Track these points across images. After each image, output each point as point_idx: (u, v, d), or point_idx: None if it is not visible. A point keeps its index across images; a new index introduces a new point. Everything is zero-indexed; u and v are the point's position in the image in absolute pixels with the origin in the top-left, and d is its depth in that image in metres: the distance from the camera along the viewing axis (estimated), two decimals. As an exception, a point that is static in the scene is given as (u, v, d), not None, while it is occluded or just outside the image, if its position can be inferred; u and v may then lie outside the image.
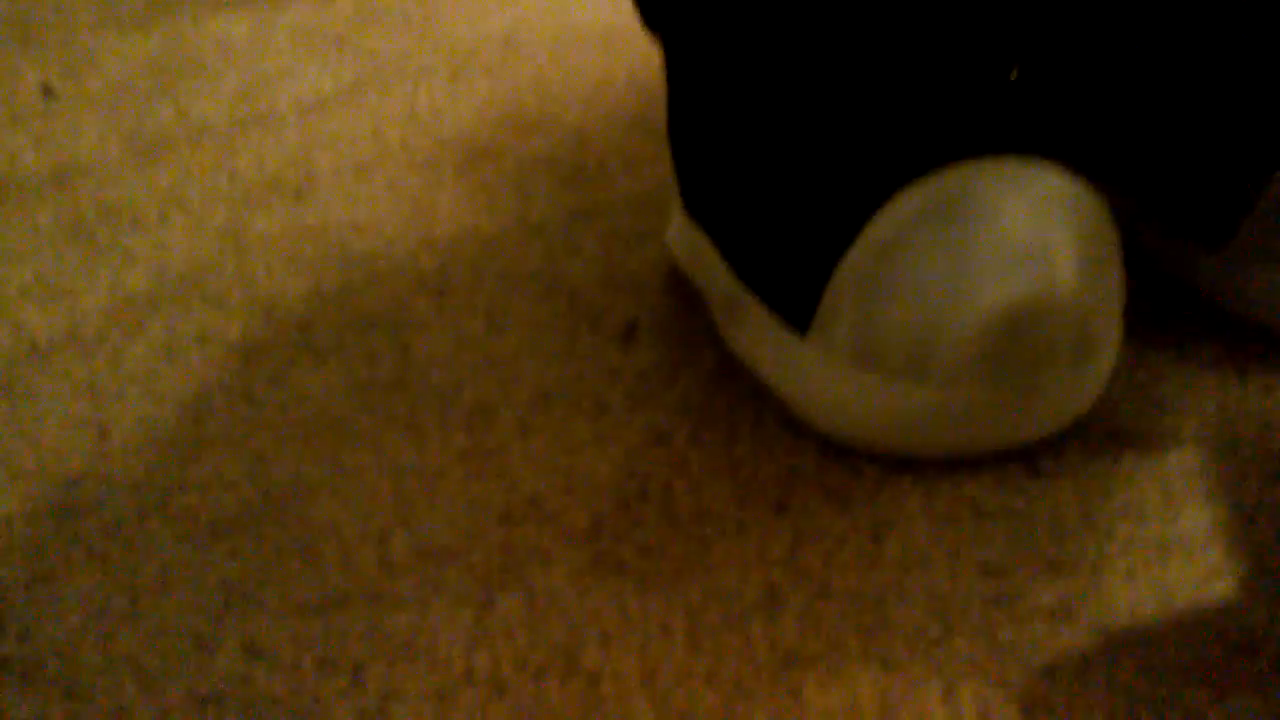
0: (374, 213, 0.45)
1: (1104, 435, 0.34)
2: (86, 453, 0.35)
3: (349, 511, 0.32)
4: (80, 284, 0.42)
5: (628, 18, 0.60)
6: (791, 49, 0.34)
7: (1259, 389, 0.35)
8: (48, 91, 0.53)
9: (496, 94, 0.54)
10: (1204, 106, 0.36)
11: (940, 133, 0.33)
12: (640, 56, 0.56)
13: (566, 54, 0.57)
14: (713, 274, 0.38)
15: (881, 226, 0.32)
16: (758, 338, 0.35)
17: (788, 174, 0.34)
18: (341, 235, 0.44)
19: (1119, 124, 0.38)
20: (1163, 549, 0.30)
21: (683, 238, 0.40)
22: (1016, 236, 0.30)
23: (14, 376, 0.38)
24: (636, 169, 0.48)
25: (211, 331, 0.40)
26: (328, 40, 0.59)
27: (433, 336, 0.39)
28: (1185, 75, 0.36)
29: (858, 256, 0.32)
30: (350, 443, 0.35)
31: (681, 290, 0.41)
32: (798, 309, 0.33)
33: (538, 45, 0.58)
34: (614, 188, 0.47)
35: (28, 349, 0.39)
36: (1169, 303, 0.38)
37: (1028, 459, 0.33)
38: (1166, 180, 0.38)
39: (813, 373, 0.33)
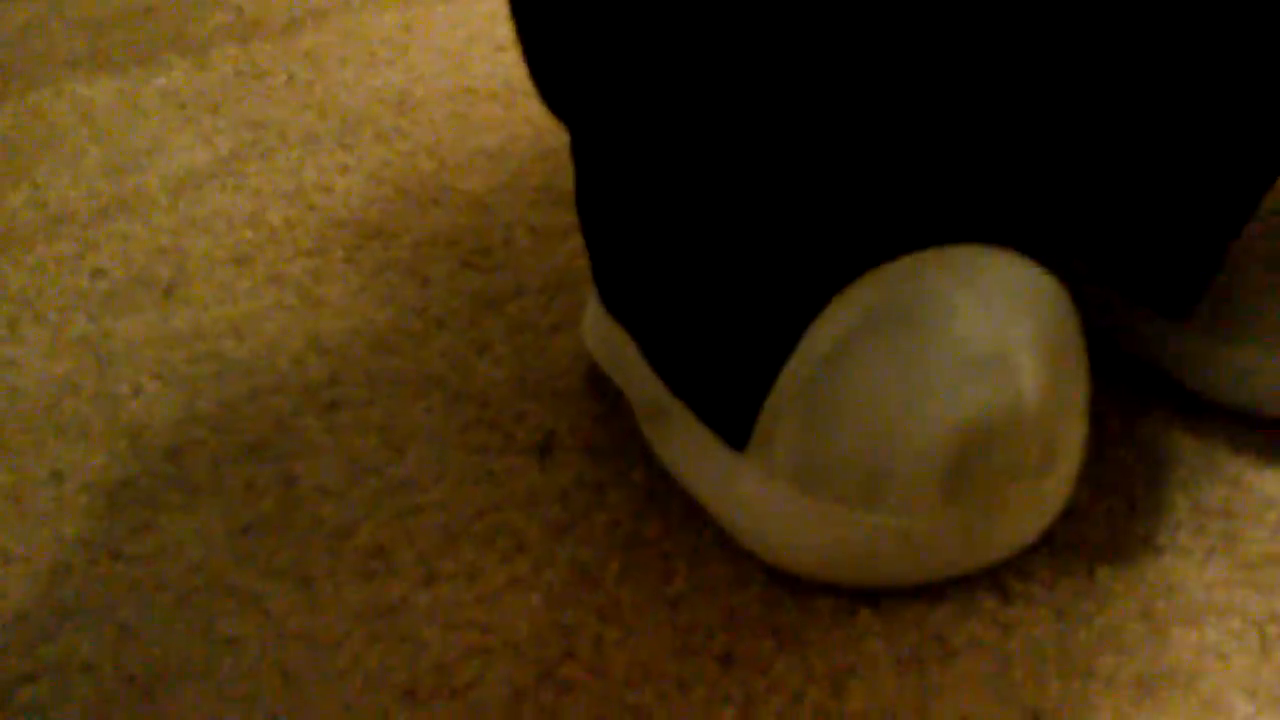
0: (254, 310, 0.41)
1: (1074, 546, 0.31)
2: (-83, 630, 0.30)
3: (225, 702, 0.28)
4: (-84, 413, 0.37)
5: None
6: (714, 135, 0.30)
7: (1228, 482, 0.32)
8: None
9: (390, 162, 0.50)
10: (1163, 160, 0.33)
11: (882, 219, 0.29)
12: (546, 115, 0.52)
13: (465, 114, 0.53)
14: (635, 376, 0.34)
15: (824, 331, 0.28)
16: (689, 452, 0.32)
17: (713, 269, 0.31)
18: (218, 340, 0.40)
19: (1075, 183, 0.35)
20: (1147, 688, 0.27)
21: (600, 332, 0.36)
22: (973, 341, 0.27)
23: None
24: (546, 245, 0.44)
25: (68, 469, 0.35)
26: (203, 107, 0.54)
27: (322, 463, 0.34)
28: (1143, 127, 0.33)
29: (799, 366, 0.28)
30: (228, 606, 0.30)
31: (604, 390, 0.37)
32: (732, 423, 0.30)
33: (434, 105, 0.53)
34: (522, 268, 0.43)
35: None
36: (1133, 389, 0.35)
37: (994, 580, 0.30)
38: (1126, 242, 0.35)
39: (753, 496, 0.29)
